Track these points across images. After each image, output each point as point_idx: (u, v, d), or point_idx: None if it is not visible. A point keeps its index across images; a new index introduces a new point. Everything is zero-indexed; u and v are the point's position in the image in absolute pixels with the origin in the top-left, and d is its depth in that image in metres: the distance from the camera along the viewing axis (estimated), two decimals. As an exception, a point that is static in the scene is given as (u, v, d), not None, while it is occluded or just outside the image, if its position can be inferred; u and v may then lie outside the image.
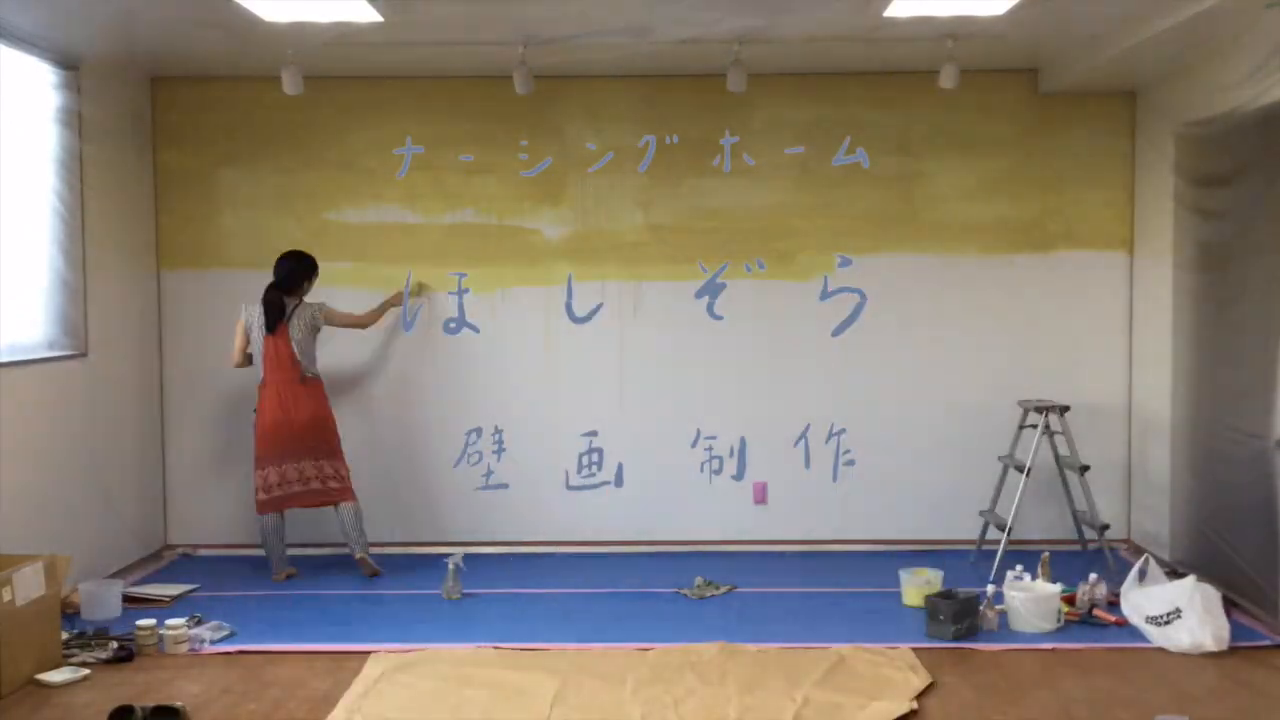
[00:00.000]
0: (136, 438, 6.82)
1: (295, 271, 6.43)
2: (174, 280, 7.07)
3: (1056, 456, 6.66)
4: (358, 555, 6.43)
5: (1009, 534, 6.37)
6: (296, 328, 6.38)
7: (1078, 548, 6.88)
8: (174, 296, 7.07)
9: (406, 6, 5.40)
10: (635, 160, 6.99)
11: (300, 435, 6.34)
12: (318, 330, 6.49)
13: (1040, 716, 4.43)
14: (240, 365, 6.50)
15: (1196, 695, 4.62)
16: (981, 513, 6.81)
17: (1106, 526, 6.57)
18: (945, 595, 5.43)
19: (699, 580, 6.30)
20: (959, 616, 5.31)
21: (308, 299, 6.49)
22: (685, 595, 6.13)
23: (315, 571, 6.62)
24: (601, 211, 7.05)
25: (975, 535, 6.86)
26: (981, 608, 5.45)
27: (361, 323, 6.75)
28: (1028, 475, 6.42)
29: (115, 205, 6.58)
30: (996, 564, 6.20)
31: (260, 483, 6.38)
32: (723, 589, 6.21)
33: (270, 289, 6.39)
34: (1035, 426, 6.55)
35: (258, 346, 6.39)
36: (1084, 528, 6.79)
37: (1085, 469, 6.49)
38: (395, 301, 6.92)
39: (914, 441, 7.07)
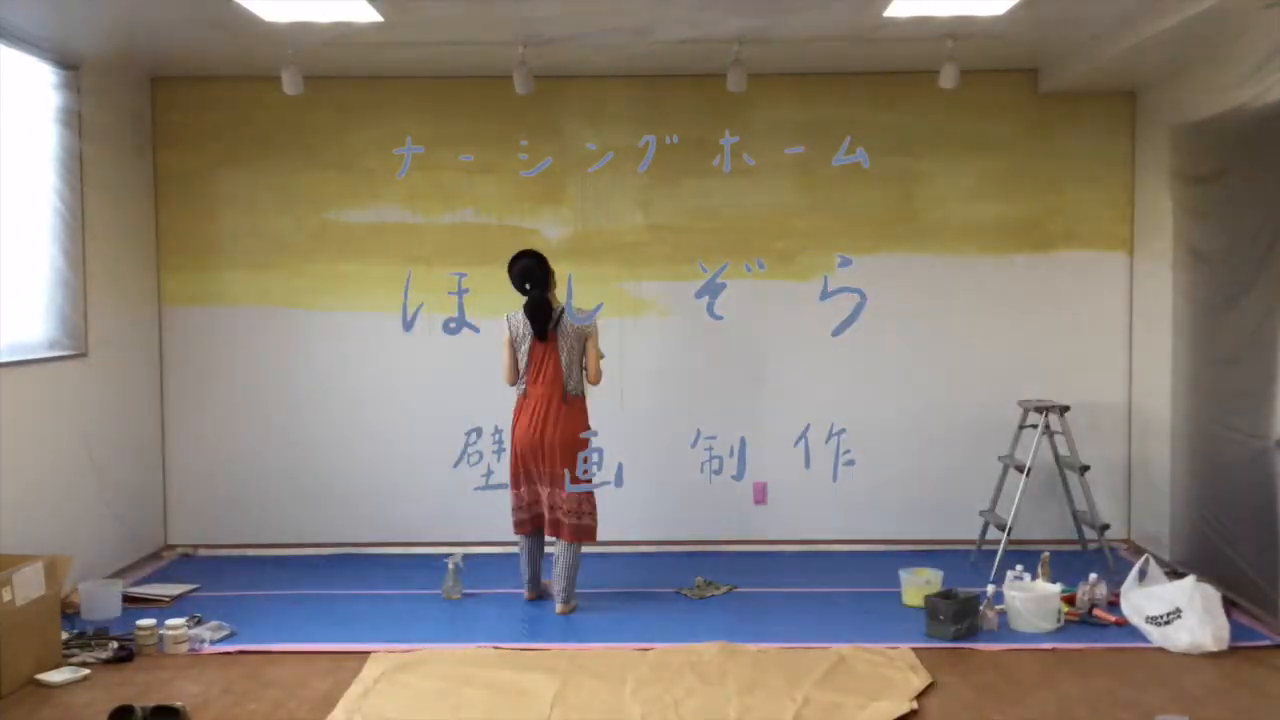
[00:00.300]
0: (136, 438, 6.82)
1: (540, 267, 5.77)
2: (174, 280, 7.06)
3: (1056, 456, 6.66)
4: (560, 606, 5.82)
5: (1009, 534, 6.37)
6: (565, 335, 5.77)
7: (1078, 548, 6.88)
8: (174, 297, 7.07)
9: (406, 6, 5.40)
10: (635, 160, 6.99)
11: (552, 457, 5.75)
12: (585, 343, 5.85)
13: (1040, 716, 4.43)
14: (515, 383, 5.88)
15: (1196, 695, 4.62)
16: (981, 513, 6.81)
17: (1106, 526, 6.57)
18: (945, 595, 5.43)
19: (699, 580, 6.30)
20: (959, 616, 5.31)
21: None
22: (685, 595, 6.13)
23: (315, 571, 6.63)
24: (601, 211, 7.05)
25: (975, 535, 6.86)
26: (981, 608, 5.45)
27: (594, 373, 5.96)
28: (1028, 475, 6.42)
29: (115, 205, 6.58)
30: (996, 564, 6.20)
31: (513, 502, 5.91)
32: (723, 589, 6.21)
33: (531, 292, 5.75)
34: (1035, 426, 6.55)
35: (524, 357, 5.80)
36: (1084, 528, 6.79)
37: (1085, 469, 6.49)
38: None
39: (914, 442, 7.07)
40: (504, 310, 6.98)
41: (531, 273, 5.75)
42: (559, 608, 5.80)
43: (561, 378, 5.76)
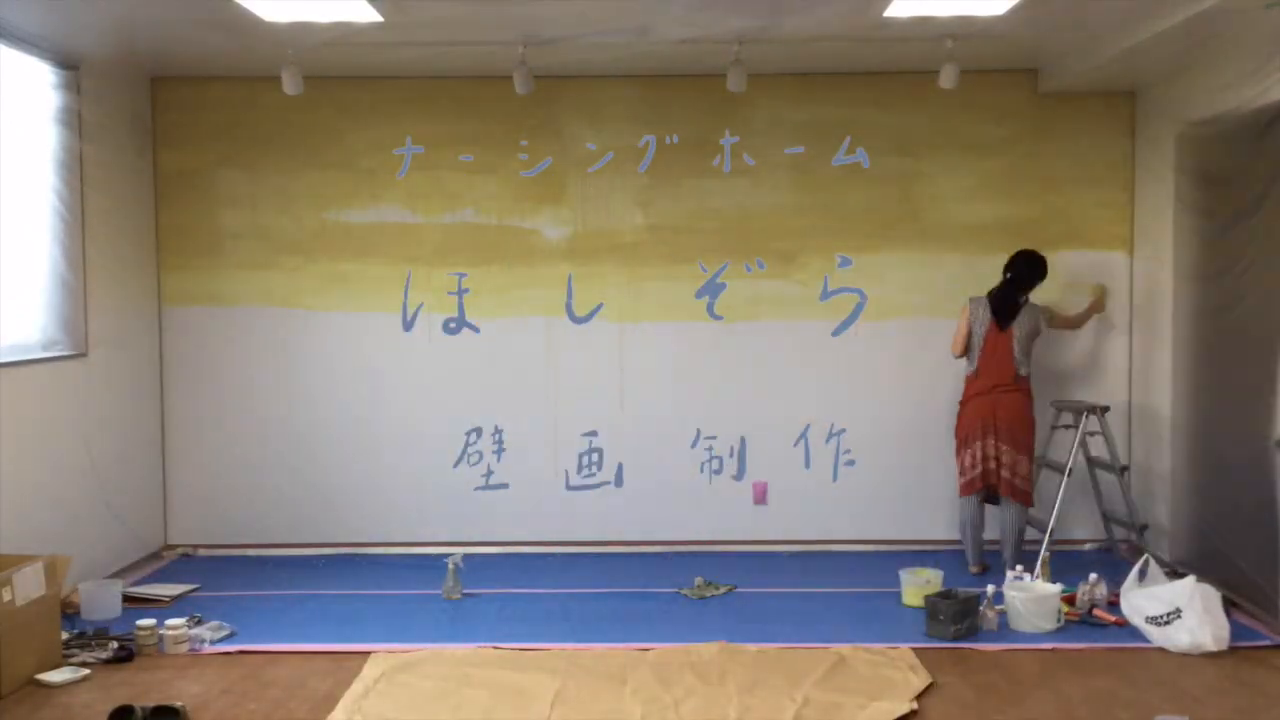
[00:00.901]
0: (136, 438, 6.82)
1: (1031, 274, 6.40)
2: (174, 280, 7.06)
3: (1087, 457, 6.64)
4: (1007, 555, 6.31)
5: (1050, 535, 6.28)
6: (1020, 326, 6.36)
7: (1096, 547, 6.87)
8: (174, 297, 7.07)
9: (406, 6, 5.40)
10: (635, 160, 6.99)
11: (1000, 430, 6.32)
12: (1038, 334, 6.45)
13: (1040, 716, 4.43)
14: (961, 355, 6.53)
15: (1196, 695, 4.62)
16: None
17: (1145, 527, 6.53)
18: (945, 595, 5.43)
19: (699, 580, 6.30)
20: (959, 616, 5.31)
21: (1033, 299, 6.47)
22: (685, 595, 6.13)
23: (315, 571, 6.63)
24: (601, 211, 7.04)
25: (975, 535, 6.86)
26: (981, 608, 5.45)
27: (1073, 324, 6.80)
28: (1069, 476, 6.37)
29: (115, 205, 6.57)
30: (1039, 564, 6.08)
31: (959, 466, 6.48)
32: (723, 589, 6.21)
33: (1005, 285, 6.41)
34: (1069, 426, 6.53)
35: (978, 340, 6.40)
36: (1114, 527, 6.77)
37: (1125, 469, 6.48)
38: (1099, 306, 6.91)
39: (914, 441, 7.07)
40: (503, 310, 7.03)
41: (1029, 275, 6.42)
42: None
43: (1014, 363, 6.33)
